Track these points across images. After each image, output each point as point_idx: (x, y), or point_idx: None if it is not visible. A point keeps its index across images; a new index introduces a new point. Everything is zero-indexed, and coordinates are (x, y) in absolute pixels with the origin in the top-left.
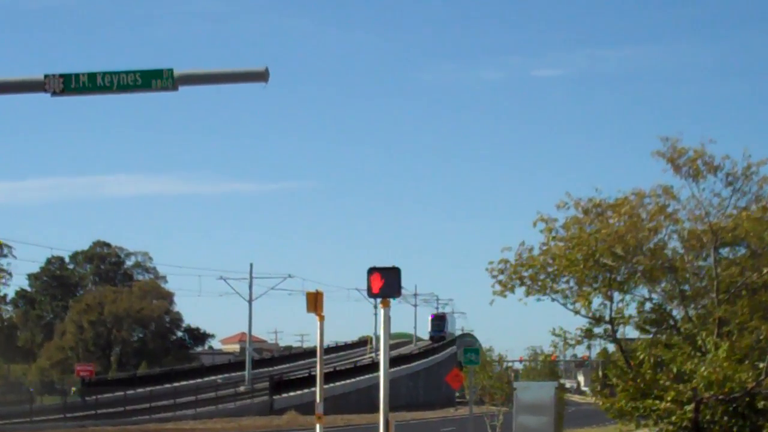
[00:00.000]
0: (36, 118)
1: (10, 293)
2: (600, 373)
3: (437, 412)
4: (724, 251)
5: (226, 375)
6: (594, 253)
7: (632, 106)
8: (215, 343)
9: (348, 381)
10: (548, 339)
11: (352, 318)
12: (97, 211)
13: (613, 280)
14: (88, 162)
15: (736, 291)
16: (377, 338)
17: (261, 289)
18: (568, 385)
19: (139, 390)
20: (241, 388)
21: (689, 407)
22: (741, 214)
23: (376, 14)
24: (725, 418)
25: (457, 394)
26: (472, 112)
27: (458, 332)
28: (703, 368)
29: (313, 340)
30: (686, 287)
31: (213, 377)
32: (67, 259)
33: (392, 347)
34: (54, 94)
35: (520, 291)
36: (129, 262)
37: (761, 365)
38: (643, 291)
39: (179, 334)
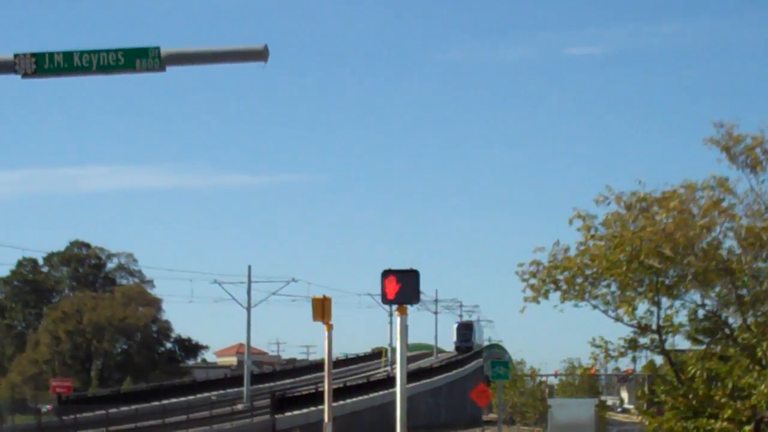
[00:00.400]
0: (4, 102)
1: None
2: (646, 389)
3: None
4: None
5: (222, 391)
6: (638, 254)
7: (681, 87)
8: (209, 356)
9: (360, 398)
10: (587, 350)
11: (364, 327)
12: (74, 207)
13: (660, 284)
14: (63, 152)
15: None
16: (393, 350)
17: (261, 294)
18: (609, 403)
19: (123, 408)
20: (239, 406)
21: (748, 428)
22: None
23: None
24: None
25: (485, 413)
26: (498, 95)
27: (486, 343)
28: (763, 384)
29: (320, 352)
30: (744, 292)
31: (207, 394)
32: (40, 262)
33: (410, 360)
34: (25, 75)
35: (555, 296)
36: (111, 265)
37: None
38: (694, 296)
39: (168, 345)
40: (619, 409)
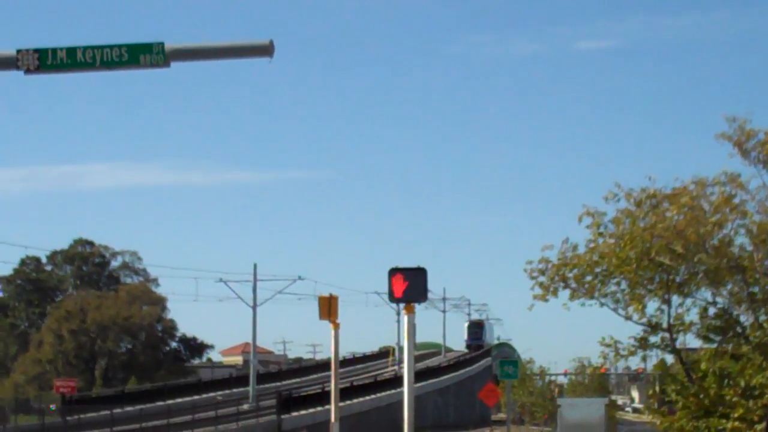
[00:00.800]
0: (7, 99)
1: None
2: (657, 388)
3: None
4: None
5: (228, 391)
6: (649, 251)
7: (693, 82)
8: (215, 355)
9: (367, 398)
10: (597, 349)
11: (371, 326)
12: (78, 205)
13: (671, 282)
14: (67, 150)
15: None
16: (400, 349)
17: (267, 293)
18: (620, 402)
19: (128, 408)
20: (245, 406)
21: (760, 426)
22: None
23: None
24: None
25: (493, 413)
26: (507, 89)
27: (496, 342)
28: None
29: (326, 351)
30: (756, 289)
31: (212, 394)
32: (44, 260)
33: (418, 359)
34: (28, 71)
35: (564, 294)
36: (115, 263)
37: None
38: (706, 294)
39: (173, 344)
40: (629, 409)
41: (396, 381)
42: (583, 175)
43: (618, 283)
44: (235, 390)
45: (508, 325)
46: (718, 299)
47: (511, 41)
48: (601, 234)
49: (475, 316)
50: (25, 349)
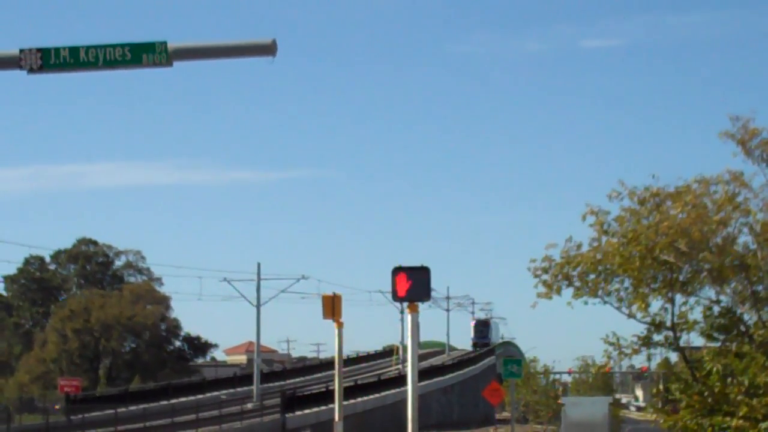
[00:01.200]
0: (10, 98)
1: None
2: (661, 387)
3: None
4: None
5: (232, 390)
6: (652, 249)
7: (697, 80)
8: (218, 354)
9: (371, 396)
10: (601, 348)
11: (375, 325)
12: (82, 204)
13: (675, 280)
14: (70, 149)
15: None
16: (404, 347)
17: (270, 292)
18: (624, 401)
19: (132, 408)
20: (249, 405)
21: (765, 425)
22: None
23: None
24: None
25: (497, 411)
26: (511, 88)
27: (501, 340)
28: None
29: (330, 350)
30: (759, 288)
31: (216, 393)
32: (47, 259)
33: (422, 357)
34: (31, 71)
35: (568, 293)
36: (119, 262)
37: None
38: (709, 292)
39: (177, 343)
40: (633, 408)
41: (400, 380)
42: (587, 174)
43: (621, 282)
44: (239, 389)
45: (511, 324)
46: (722, 298)
47: (517, 40)
48: (605, 232)
49: (478, 315)
50: (29, 348)
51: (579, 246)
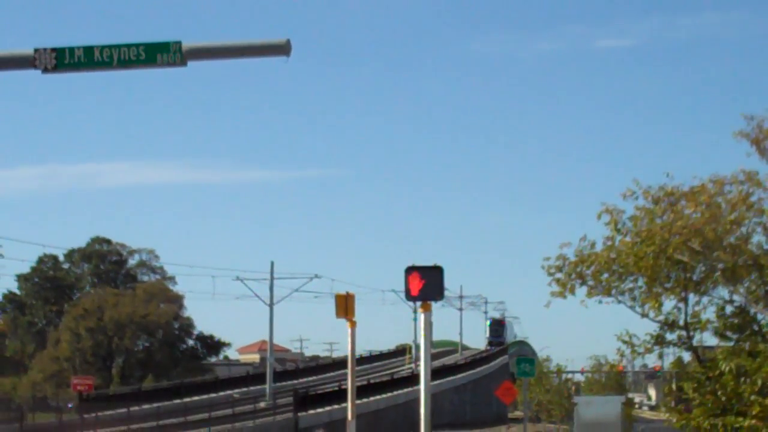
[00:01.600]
0: (25, 98)
1: None
2: (674, 386)
3: (486, 431)
4: None
5: (244, 389)
6: (666, 249)
7: (711, 80)
8: (231, 353)
9: (384, 395)
10: (613, 347)
11: (388, 324)
12: (95, 203)
13: (688, 280)
14: (84, 148)
15: None
16: (417, 347)
17: (283, 291)
18: (637, 400)
19: (145, 406)
20: (262, 404)
21: None
22: None
23: None
24: None
25: (510, 411)
26: (526, 87)
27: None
28: None
29: (343, 349)
30: None
31: (229, 392)
32: (61, 258)
33: (434, 357)
34: (45, 70)
35: (581, 292)
36: (132, 261)
37: None
38: (723, 292)
39: (190, 342)
40: (646, 407)
41: (413, 379)
42: (601, 174)
43: (635, 281)
44: (251, 388)
45: (524, 323)
46: (735, 297)
47: (530, 40)
48: (619, 230)
49: (491, 314)
50: (42, 347)
51: (593, 245)
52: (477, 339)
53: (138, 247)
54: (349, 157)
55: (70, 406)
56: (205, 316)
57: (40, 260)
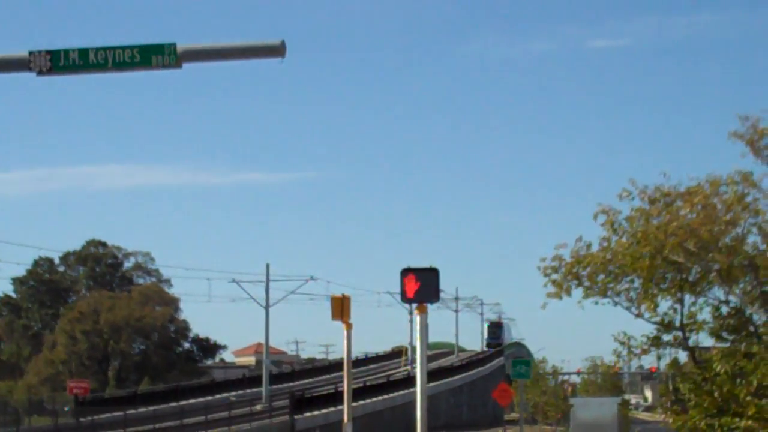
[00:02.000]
0: (20, 101)
1: None
2: (670, 387)
3: None
4: None
5: (240, 392)
6: (662, 249)
7: (706, 80)
8: (227, 356)
9: (380, 398)
10: (609, 348)
11: (384, 326)
12: (91, 206)
13: (684, 281)
14: (79, 151)
15: None
16: (413, 348)
17: (279, 293)
18: (633, 401)
19: (141, 409)
20: (258, 407)
21: None
22: None
23: None
24: None
25: (506, 412)
26: (519, 88)
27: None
28: None
29: (339, 352)
30: None
31: (225, 394)
32: (57, 261)
33: (430, 359)
34: (40, 73)
35: (577, 293)
36: (128, 264)
37: None
38: (718, 293)
39: (186, 345)
40: (642, 408)
41: (409, 381)
42: (596, 174)
43: (631, 281)
44: (248, 390)
45: (521, 325)
46: (731, 298)
47: (524, 40)
48: (614, 231)
49: (488, 316)
50: (38, 350)
51: (589, 246)
52: (473, 341)
53: (133, 250)
54: (344, 158)
55: (66, 409)
56: (201, 318)
57: (36, 263)
